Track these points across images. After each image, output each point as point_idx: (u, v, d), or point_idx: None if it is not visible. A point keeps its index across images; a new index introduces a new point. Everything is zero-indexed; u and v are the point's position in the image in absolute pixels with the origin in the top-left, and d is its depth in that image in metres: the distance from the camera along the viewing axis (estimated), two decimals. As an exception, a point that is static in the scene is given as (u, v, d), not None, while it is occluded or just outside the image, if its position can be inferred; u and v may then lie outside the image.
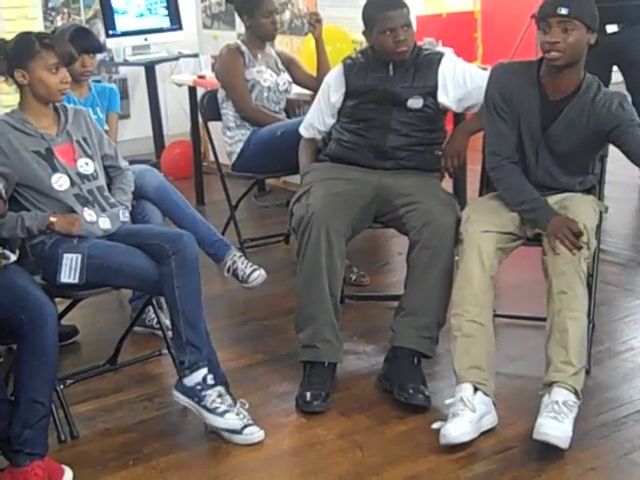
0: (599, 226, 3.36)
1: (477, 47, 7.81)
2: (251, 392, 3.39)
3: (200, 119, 5.28)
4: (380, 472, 2.94)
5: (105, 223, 3.27)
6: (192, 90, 5.95)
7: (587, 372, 3.27)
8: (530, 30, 7.02)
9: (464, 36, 7.49)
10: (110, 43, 6.50)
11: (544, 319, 3.16)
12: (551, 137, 3.29)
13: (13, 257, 3.14)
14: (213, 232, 3.83)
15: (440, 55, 3.74)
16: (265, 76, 4.90)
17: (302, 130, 3.99)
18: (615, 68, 5.18)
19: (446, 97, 3.69)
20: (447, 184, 3.97)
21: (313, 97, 4.11)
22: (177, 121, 6.96)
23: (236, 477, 2.97)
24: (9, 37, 3.29)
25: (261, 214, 5.80)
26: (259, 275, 3.78)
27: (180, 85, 6.14)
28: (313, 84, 4.85)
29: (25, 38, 3.23)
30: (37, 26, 6.35)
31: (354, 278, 4.46)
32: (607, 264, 4.41)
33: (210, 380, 3.14)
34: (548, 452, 2.93)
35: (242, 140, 4.80)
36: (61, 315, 3.34)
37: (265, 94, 4.89)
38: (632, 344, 3.75)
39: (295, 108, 5.41)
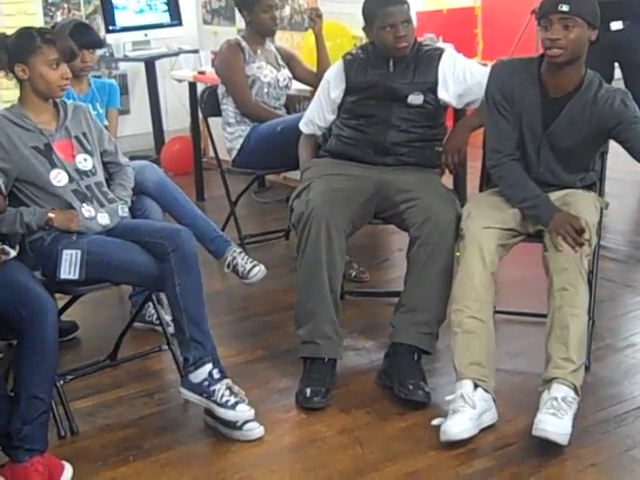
0: (600, 222, 3.36)
1: (477, 43, 7.81)
2: (251, 388, 3.38)
3: (200, 115, 5.29)
4: (380, 468, 2.94)
5: (104, 219, 3.27)
6: (192, 86, 5.94)
7: (587, 369, 3.27)
8: (530, 26, 7.02)
9: (464, 32, 7.48)
10: (110, 39, 6.51)
11: (544, 315, 3.15)
12: (553, 134, 3.28)
13: (13, 253, 3.14)
14: (213, 228, 3.83)
15: (440, 51, 3.73)
16: (265, 72, 4.89)
17: (302, 126, 3.98)
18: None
19: (446, 93, 3.68)
20: (447, 180, 3.97)
21: (313, 93, 4.10)
22: (177, 117, 6.96)
23: (236, 473, 2.97)
24: (9, 32, 3.29)
25: (261, 210, 5.80)
26: (259, 271, 3.78)
27: (180, 81, 6.14)
28: (313, 80, 4.84)
29: (26, 33, 3.23)
30: (37, 21, 6.34)
31: (354, 274, 4.46)
32: (608, 260, 4.41)
33: (216, 374, 3.14)
34: (548, 448, 2.93)
35: (242, 136, 4.79)
36: (61, 311, 3.33)
37: (265, 90, 4.89)
38: (633, 340, 3.75)
39: (295, 104, 5.40)
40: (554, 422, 2.91)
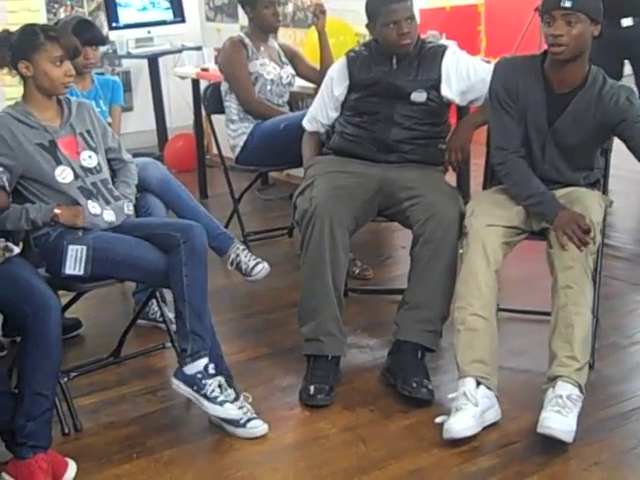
0: (604, 220, 3.35)
1: (480, 40, 7.80)
2: (255, 385, 3.39)
3: (203, 112, 5.28)
4: (384, 466, 2.93)
5: (109, 216, 3.27)
6: (195, 83, 5.94)
7: (591, 367, 3.26)
8: (533, 23, 7.01)
9: (467, 29, 7.47)
10: (113, 36, 6.50)
11: (548, 313, 3.15)
12: (558, 131, 3.27)
13: (17, 249, 3.13)
14: (216, 225, 3.82)
15: (443, 48, 3.73)
16: (268, 69, 4.89)
17: (305, 123, 3.98)
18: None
19: (449, 90, 3.68)
20: (451, 178, 3.97)
21: (316, 90, 4.11)
22: (180, 114, 6.95)
23: (239, 470, 2.97)
24: (12, 29, 3.28)
25: (264, 207, 5.80)
26: (262, 268, 3.77)
27: (183, 78, 6.14)
28: (316, 77, 4.83)
29: (30, 30, 3.22)
30: (40, 18, 6.34)
31: (357, 272, 4.46)
32: (612, 258, 4.40)
33: (211, 369, 3.13)
34: (552, 446, 2.93)
35: (245, 133, 4.79)
36: (65, 308, 3.34)
37: (268, 87, 4.88)
38: (638, 338, 3.75)
39: (298, 101, 5.40)
40: (559, 419, 2.91)
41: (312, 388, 3.32)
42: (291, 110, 5.04)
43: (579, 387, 2.99)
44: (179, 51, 6.57)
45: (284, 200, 5.27)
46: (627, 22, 4.94)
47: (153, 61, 6.63)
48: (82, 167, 3.26)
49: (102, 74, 5.17)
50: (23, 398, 2.86)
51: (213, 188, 5.99)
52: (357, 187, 3.56)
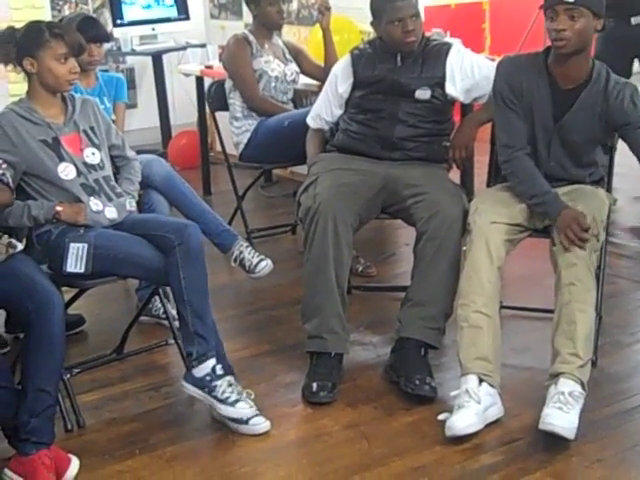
0: (608, 218, 3.35)
1: (485, 38, 7.79)
2: (257, 382, 3.39)
3: (207, 109, 5.28)
4: (386, 463, 2.94)
5: (111, 213, 3.27)
6: (199, 80, 5.94)
7: (594, 364, 3.25)
8: (538, 21, 6.99)
9: (472, 27, 7.46)
10: (117, 33, 6.49)
11: (551, 311, 3.15)
12: (564, 127, 3.27)
13: (20, 246, 3.14)
14: (220, 222, 3.82)
15: (448, 46, 3.73)
16: (273, 66, 4.89)
17: (309, 120, 3.98)
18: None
19: (454, 88, 3.68)
20: (454, 175, 3.97)
21: (321, 87, 4.10)
22: (184, 111, 6.95)
23: (242, 467, 2.97)
24: (17, 25, 3.28)
25: (268, 204, 5.80)
26: (266, 265, 3.77)
27: (187, 75, 6.14)
28: (321, 74, 4.83)
29: (35, 27, 3.23)
30: (44, 15, 6.36)
31: (361, 269, 4.46)
32: (616, 256, 4.40)
33: (219, 370, 3.14)
34: (554, 443, 2.93)
35: (249, 130, 4.79)
36: (68, 304, 3.34)
37: (273, 84, 4.88)
38: (640, 336, 3.75)
39: (302, 98, 5.39)
40: (561, 416, 2.91)
41: (315, 385, 3.32)
42: (295, 107, 5.04)
43: (581, 384, 2.99)
44: (183, 48, 6.57)
45: (288, 197, 5.28)
46: (637, 20, 4.93)
47: (157, 58, 6.63)
48: (85, 164, 3.26)
49: (106, 71, 5.17)
50: (26, 394, 2.86)
51: (217, 185, 5.99)
52: (361, 184, 3.55)
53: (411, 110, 3.67)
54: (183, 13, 6.79)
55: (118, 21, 6.50)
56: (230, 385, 3.14)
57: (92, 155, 3.30)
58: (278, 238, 5.09)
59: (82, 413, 3.23)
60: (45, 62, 3.17)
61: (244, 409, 3.12)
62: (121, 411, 3.33)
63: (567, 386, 2.97)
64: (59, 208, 3.17)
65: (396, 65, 3.67)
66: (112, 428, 3.22)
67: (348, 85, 3.78)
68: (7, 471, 2.88)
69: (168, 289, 3.52)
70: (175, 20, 6.76)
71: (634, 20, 4.92)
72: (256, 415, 3.13)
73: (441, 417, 3.08)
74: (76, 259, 3.12)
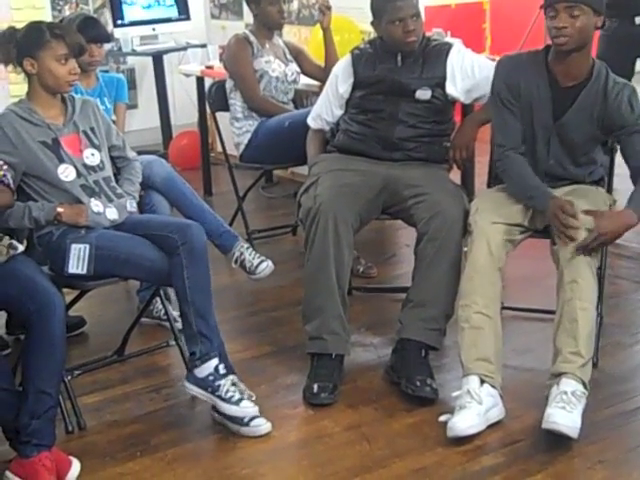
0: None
1: (485, 38, 7.78)
2: (258, 384, 3.39)
3: (208, 109, 5.28)
4: (387, 464, 2.93)
5: (112, 213, 3.27)
6: (200, 80, 5.94)
7: (595, 365, 3.26)
8: (539, 21, 6.98)
9: (472, 27, 7.46)
10: (118, 33, 6.49)
11: (552, 312, 3.15)
12: (564, 126, 3.27)
13: (21, 247, 3.14)
14: (220, 223, 3.82)
15: (448, 46, 3.73)
16: (273, 66, 4.88)
17: (310, 121, 3.98)
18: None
19: (454, 88, 3.67)
20: (455, 175, 3.96)
21: (321, 88, 4.10)
22: (185, 111, 6.95)
23: (243, 469, 2.97)
24: (17, 26, 3.28)
25: (269, 205, 5.79)
26: (267, 266, 3.77)
27: (188, 75, 6.13)
28: (321, 75, 4.83)
29: (36, 27, 3.22)
30: (45, 15, 6.35)
31: (362, 270, 4.46)
32: (616, 257, 4.39)
33: (222, 370, 3.14)
34: (556, 445, 2.93)
35: (250, 131, 4.79)
36: (69, 306, 3.34)
37: (273, 84, 4.88)
38: (642, 337, 3.75)
39: (303, 99, 5.40)
40: (564, 415, 2.91)
41: (316, 386, 3.32)
42: (296, 108, 5.04)
43: (583, 383, 2.99)
44: (184, 48, 6.57)
45: (288, 198, 5.28)
46: None
47: (158, 59, 6.63)
48: (85, 165, 3.26)
49: (107, 72, 5.17)
50: (27, 396, 2.86)
51: (217, 186, 5.99)
52: (361, 185, 3.55)
53: (411, 110, 3.66)
54: (184, 13, 6.79)
55: (119, 21, 6.50)
56: (233, 384, 3.14)
57: (92, 156, 3.29)
58: (279, 239, 5.08)
59: (83, 415, 3.23)
60: (45, 63, 3.17)
61: (248, 407, 3.12)
62: (122, 413, 3.33)
63: (569, 386, 2.96)
64: (60, 209, 3.16)
65: (396, 65, 3.67)
66: (113, 430, 3.22)
67: (348, 85, 3.78)
68: (8, 473, 2.87)
69: (169, 290, 3.52)
70: (176, 20, 6.76)
71: (638, 20, 4.91)
72: (257, 417, 3.13)
73: (443, 418, 3.07)
74: (77, 260, 3.12)
